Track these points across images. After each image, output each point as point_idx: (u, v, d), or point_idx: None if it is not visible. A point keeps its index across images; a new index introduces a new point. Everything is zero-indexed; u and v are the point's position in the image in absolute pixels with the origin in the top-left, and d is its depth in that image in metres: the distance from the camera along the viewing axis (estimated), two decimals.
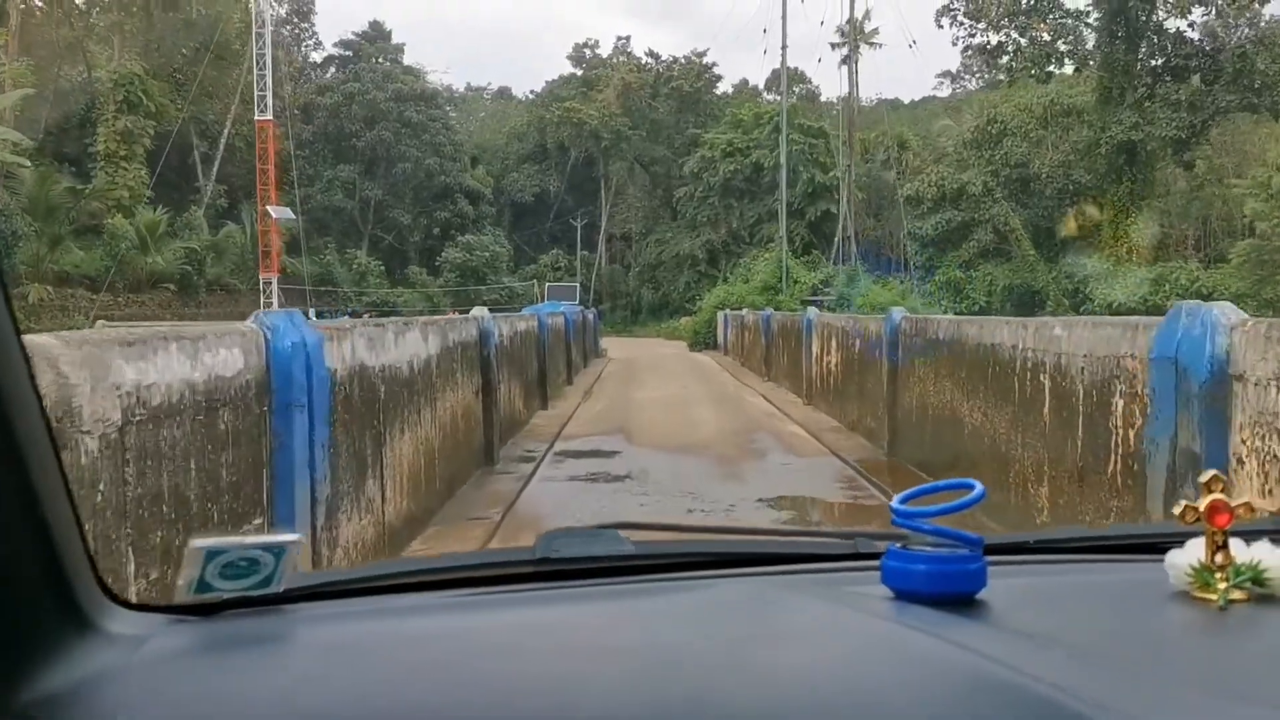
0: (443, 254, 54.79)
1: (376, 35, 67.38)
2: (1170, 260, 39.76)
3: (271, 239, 31.61)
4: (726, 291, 37.96)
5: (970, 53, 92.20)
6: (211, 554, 1.02)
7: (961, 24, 38.55)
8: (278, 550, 1.06)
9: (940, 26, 39.34)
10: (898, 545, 1.13)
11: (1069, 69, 40.91)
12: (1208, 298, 37.55)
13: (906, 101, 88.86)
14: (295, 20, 66.42)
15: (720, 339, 34.52)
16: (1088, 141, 39.43)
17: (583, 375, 23.94)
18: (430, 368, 8.80)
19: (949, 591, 1.09)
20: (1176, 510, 1.12)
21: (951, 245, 45.73)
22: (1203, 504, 1.11)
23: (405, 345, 8.01)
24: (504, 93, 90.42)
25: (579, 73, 70.78)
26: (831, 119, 67.20)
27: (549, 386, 17.44)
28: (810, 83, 73.50)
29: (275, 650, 1.02)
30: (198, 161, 48.18)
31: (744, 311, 27.81)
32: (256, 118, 34.70)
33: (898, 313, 11.49)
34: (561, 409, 16.68)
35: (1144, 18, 38.11)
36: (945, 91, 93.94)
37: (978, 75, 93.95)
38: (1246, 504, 1.12)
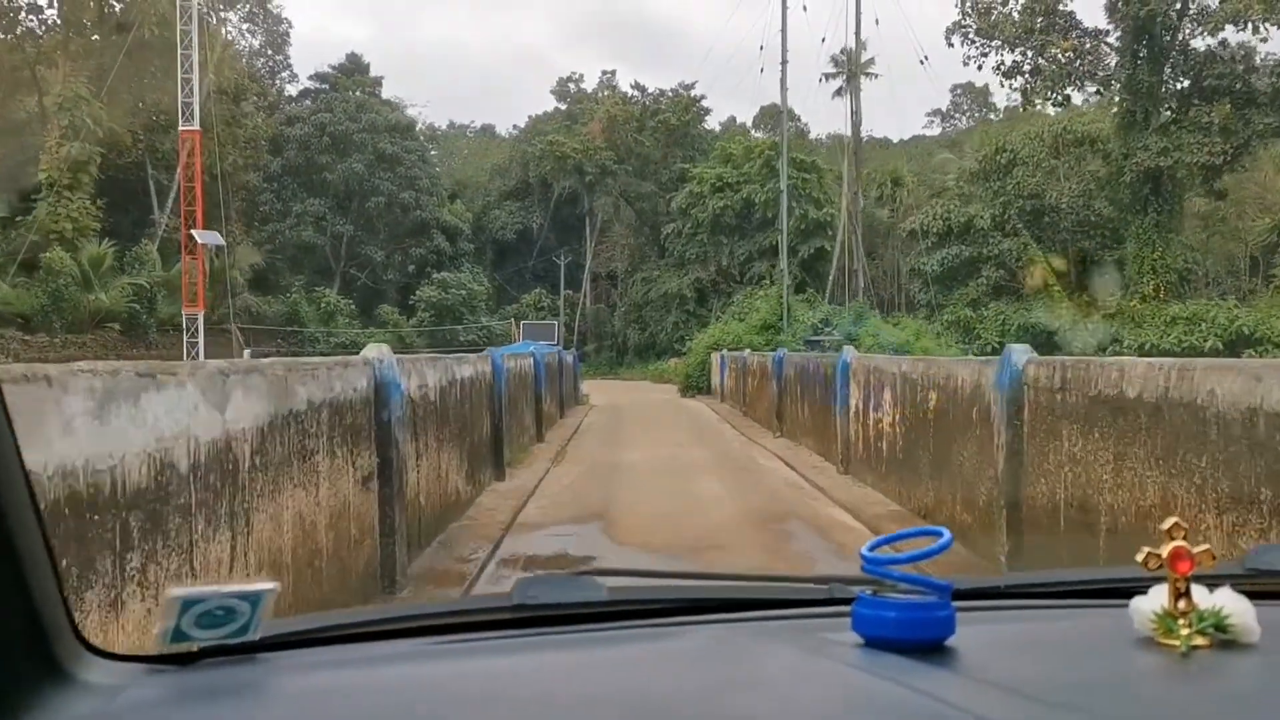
0: (417, 292, 50.58)
1: (354, 68, 63.68)
2: (1199, 296, 35.94)
3: (198, 268, 26.84)
4: (721, 331, 33.86)
5: (959, 92, 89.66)
6: (188, 603, 1.01)
7: (973, 42, 34.89)
8: (254, 598, 1.04)
9: (950, 45, 35.72)
10: (869, 592, 1.11)
11: (1088, 91, 37.24)
12: (1250, 339, 33.91)
13: (895, 140, 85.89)
14: (270, 52, 62.79)
15: (715, 383, 30.41)
16: (1109, 170, 35.70)
17: (557, 429, 19.71)
18: (238, 452, 4.61)
19: (918, 638, 1.08)
20: (1139, 557, 1.11)
21: (958, 282, 41.85)
22: (1165, 551, 1.10)
23: (161, 414, 3.84)
24: (487, 130, 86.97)
25: (563, 107, 67.28)
26: (823, 154, 63.82)
27: (508, 448, 13.22)
28: (800, 120, 70.07)
29: (252, 699, 1.00)
30: (153, 191, 43.96)
31: (745, 353, 23.69)
32: (181, 128, 30.28)
33: (1019, 354, 7.35)
34: (523, 480, 12.44)
35: (1168, 37, 34.56)
36: (935, 130, 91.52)
37: (967, 113, 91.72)
38: (1208, 551, 1.11)
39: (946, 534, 1.12)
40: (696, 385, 32.84)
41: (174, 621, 1.00)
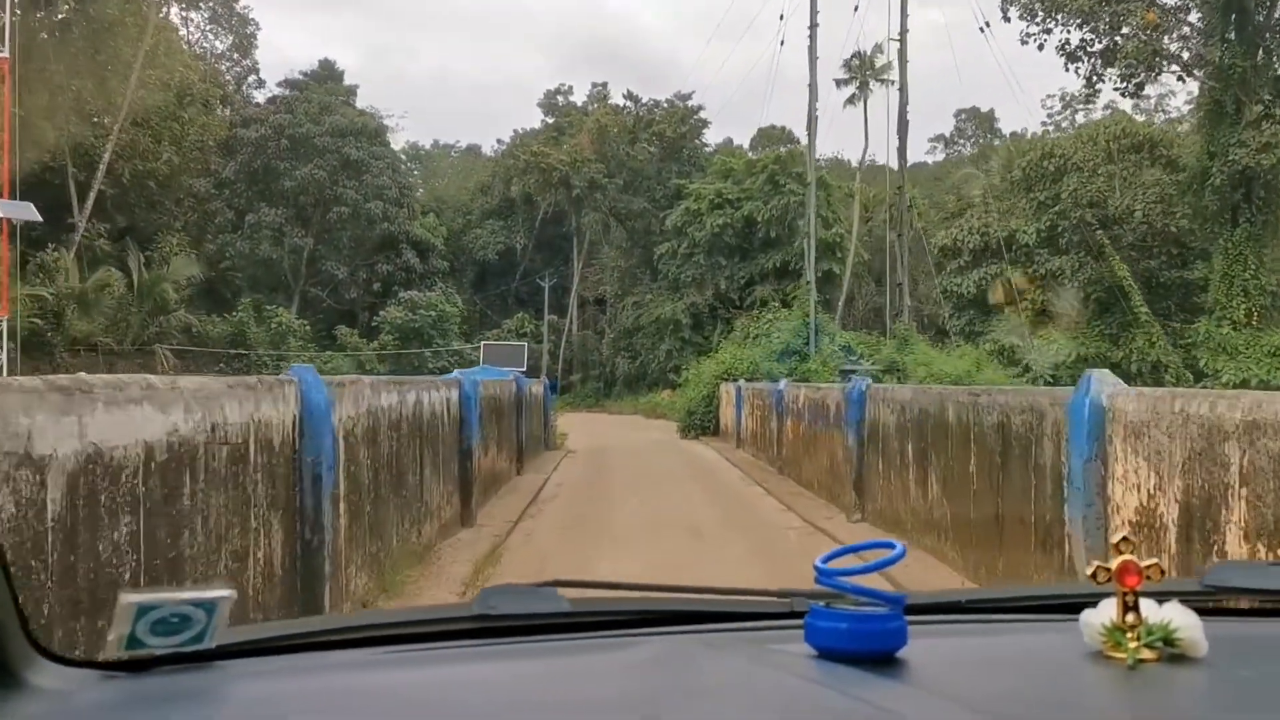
0: (382, 312, 43.31)
1: (327, 75, 56.71)
2: None
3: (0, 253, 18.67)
4: (732, 357, 26.56)
5: (964, 117, 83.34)
6: (143, 610, 0.96)
7: (1032, 16, 28.06)
8: (209, 606, 0.98)
9: (1006, 20, 28.84)
10: (823, 604, 1.09)
11: (1162, 84, 30.41)
12: None
13: (895, 167, 79.51)
14: (236, 56, 55.79)
15: (727, 422, 23.16)
16: (1192, 172, 28.83)
17: (505, 499, 12.39)
18: None
19: (870, 650, 1.05)
20: (1089, 570, 1.08)
21: (996, 305, 34.93)
22: (1114, 564, 1.07)
23: None
24: (473, 150, 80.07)
25: (550, 120, 60.54)
26: (826, 176, 56.65)
27: (355, 570, 5.96)
28: (798, 141, 62.91)
29: (206, 707, 0.96)
30: (73, 193, 36.68)
31: (782, 384, 16.03)
32: None
33: None
34: None
35: (1262, 15, 27.87)
36: (939, 155, 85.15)
37: (972, 139, 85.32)
38: (1156, 565, 1.07)
39: (899, 546, 1.10)
40: (701, 424, 25.78)
41: (129, 628, 0.95)
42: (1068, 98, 37.92)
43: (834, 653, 1.05)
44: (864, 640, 1.05)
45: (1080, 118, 43.08)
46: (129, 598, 0.95)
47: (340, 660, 1.11)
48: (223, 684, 1.00)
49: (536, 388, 19.12)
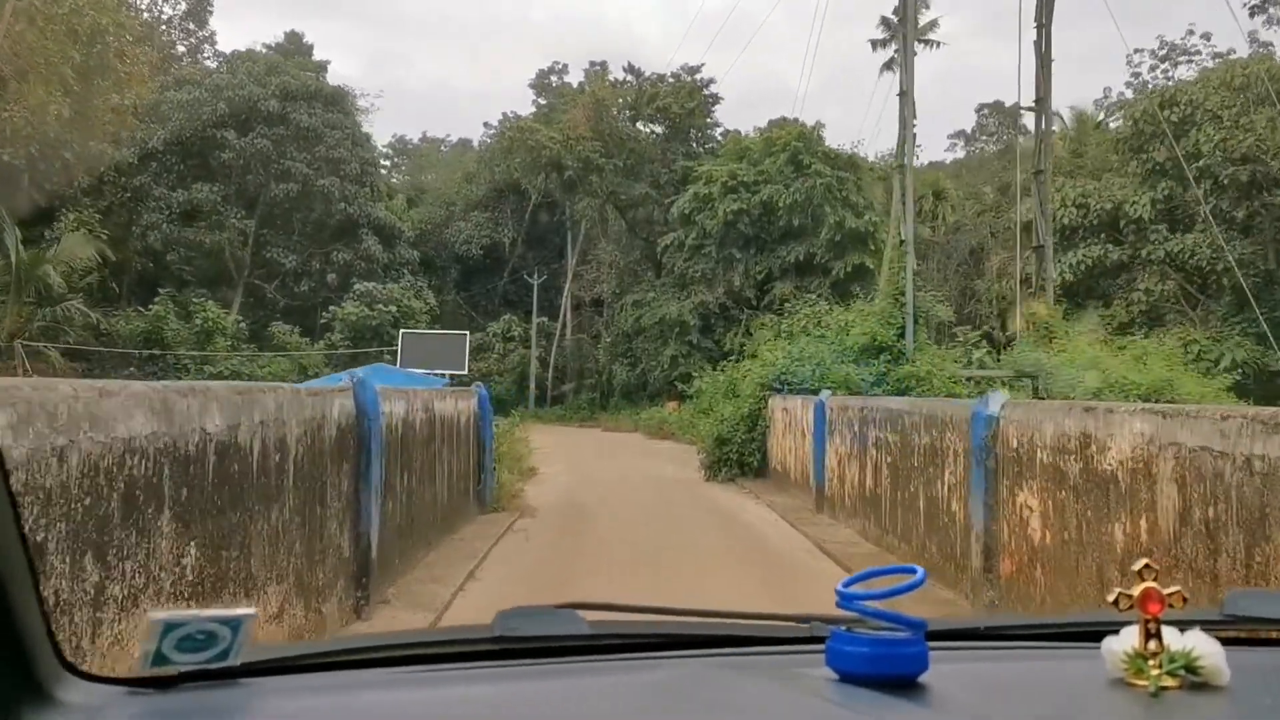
0: (332, 308, 34.35)
1: (294, 49, 48.02)
2: None
3: None
4: (786, 354, 17.24)
5: (985, 113, 74.51)
6: (169, 627, 0.94)
7: None
8: (234, 623, 0.97)
9: None
10: (844, 628, 1.05)
11: None
12: None
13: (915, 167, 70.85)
14: (192, 25, 46.99)
15: (789, 460, 13.77)
16: None
17: None
18: None
19: (890, 674, 1.01)
20: (1110, 597, 1.05)
21: (1096, 295, 26.07)
22: (1136, 591, 1.03)
23: None
24: (464, 144, 71.18)
25: (543, 101, 51.79)
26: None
27: None
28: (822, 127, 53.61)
29: None
30: None
31: (987, 407, 6.45)
32: None
33: None
34: None
35: None
36: (959, 153, 76.52)
37: (994, 136, 76.58)
38: (1179, 593, 1.04)
39: (921, 571, 1.07)
40: (738, 457, 16.58)
41: (155, 645, 0.93)
42: (1165, 48, 29.32)
43: (855, 677, 1.01)
44: (885, 665, 1.00)
45: (1185, 71, 34.54)
46: (156, 615, 0.93)
47: (362, 680, 1.08)
48: (247, 701, 0.97)
49: (464, 403, 10.20)
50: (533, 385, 46.29)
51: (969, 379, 13.85)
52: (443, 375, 13.60)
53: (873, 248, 38.83)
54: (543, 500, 12.41)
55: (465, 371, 14.80)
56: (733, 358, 31.09)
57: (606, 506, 12.06)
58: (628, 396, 42.30)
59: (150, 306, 32.22)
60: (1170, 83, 28.37)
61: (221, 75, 36.42)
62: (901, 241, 17.51)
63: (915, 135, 19.19)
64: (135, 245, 35.56)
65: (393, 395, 7.17)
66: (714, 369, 32.20)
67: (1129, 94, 31.92)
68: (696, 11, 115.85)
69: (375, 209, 38.06)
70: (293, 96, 36.63)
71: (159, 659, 0.93)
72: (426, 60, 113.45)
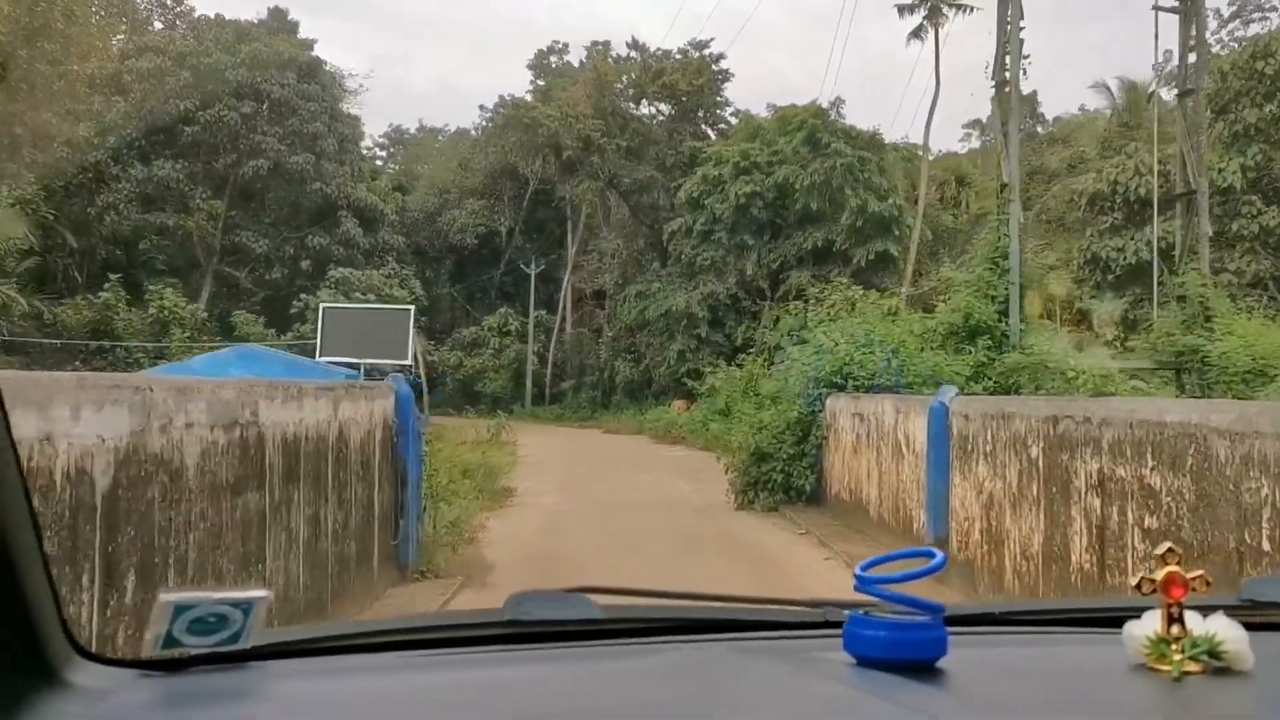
0: (302, 297, 30.39)
1: (279, 26, 44.04)
2: None
3: None
4: (847, 338, 11.65)
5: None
6: (180, 609, 0.92)
7: None
8: (246, 606, 0.95)
9: None
10: (861, 613, 1.03)
11: None
12: None
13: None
14: (170, 3, 43.09)
15: (841, 476, 9.59)
16: None
17: None
18: None
19: (909, 658, 0.99)
20: (1133, 582, 1.03)
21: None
22: (1159, 576, 1.01)
23: None
24: (461, 133, 67.24)
25: (541, 82, 47.81)
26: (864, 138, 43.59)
27: None
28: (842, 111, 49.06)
29: (241, 706, 0.93)
30: None
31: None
32: None
33: None
34: None
35: None
36: (974, 143, 72.45)
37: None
38: (1201, 576, 1.01)
39: (940, 554, 1.05)
40: (783, 478, 12.16)
41: (166, 627, 0.92)
42: (1236, 3, 25.32)
43: (873, 661, 0.99)
44: (904, 649, 0.98)
45: (1256, 28, 30.68)
46: (167, 597, 0.91)
47: (373, 663, 1.06)
48: (257, 683, 0.96)
49: (365, 407, 6.19)
50: (529, 383, 42.56)
51: (1120, 372, 9.85)
52: (357, 369, 9.82)
53: (897, 233, 34.90)
54: (507, 547, 8.40)
55: (409, 361, 10.84)
56: (750, 351, 27.19)
57: (602, 559, 8.03)
58: (631, 395, 38.48)
59: (100, 294, 28.31)
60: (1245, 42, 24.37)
61: (187, 42, 32.45)
62: (1004, 186, 13.38)
63: (1022, 43, 15.05)
64: (95, 229, 31.71)
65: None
66: (726, 365, 28.27)
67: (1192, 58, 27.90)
68: (708, 13, 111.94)
69: (356, 189, 34.15)
70: (263, 64, 32.66)
71: (170, 641, 0.92)
72: (427, 60, 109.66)
